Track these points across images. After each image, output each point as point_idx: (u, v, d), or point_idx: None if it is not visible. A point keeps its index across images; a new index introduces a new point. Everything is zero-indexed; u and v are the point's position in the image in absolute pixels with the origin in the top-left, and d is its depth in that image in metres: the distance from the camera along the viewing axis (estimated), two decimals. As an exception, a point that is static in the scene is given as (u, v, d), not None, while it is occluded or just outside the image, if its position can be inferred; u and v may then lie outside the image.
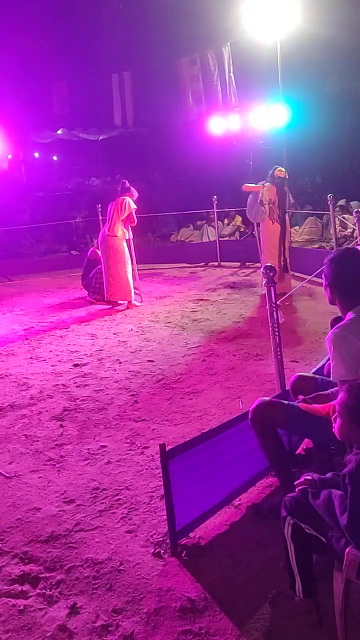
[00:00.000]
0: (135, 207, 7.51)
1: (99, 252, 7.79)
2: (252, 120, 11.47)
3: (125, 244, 7.57)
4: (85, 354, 5.76)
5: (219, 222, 12.28)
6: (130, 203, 7.47)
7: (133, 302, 7.70)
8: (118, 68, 15.30)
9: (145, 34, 15.87)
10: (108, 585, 2.47)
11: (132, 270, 7.79)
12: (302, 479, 2.17)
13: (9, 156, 17.04)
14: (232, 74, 13.43)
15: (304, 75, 13.49)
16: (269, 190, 7.44)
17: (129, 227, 7.63)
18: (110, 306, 7.78)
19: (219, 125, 12.43)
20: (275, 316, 3.24)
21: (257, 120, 11.44)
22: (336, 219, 9.25)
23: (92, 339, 6.31)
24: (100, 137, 16.35)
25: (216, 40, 13.44)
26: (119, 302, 7.75)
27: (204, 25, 13.70)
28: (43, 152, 18.75)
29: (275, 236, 7.48)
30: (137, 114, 15.76)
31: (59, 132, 16.06)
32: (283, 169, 7.57)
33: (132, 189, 7.62)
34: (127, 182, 7.71)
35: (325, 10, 11.54)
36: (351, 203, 12.05)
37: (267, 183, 7.53)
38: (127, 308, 7.63)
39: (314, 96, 14.23)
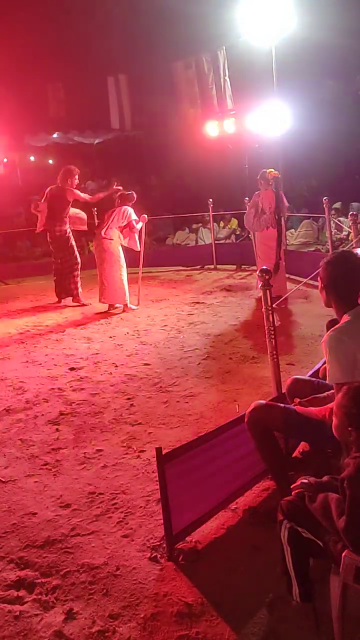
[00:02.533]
0: (136, 218, 7.53)
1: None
2: (247, 123, 11.52)
3: (120, 248, 7.57)
4: (81, 358, 5.75)
5: (215, 225, 12.30)
6: (132, 214, 7.50)
7: (129, 305, 7.70)
8: (114, 71, 15.34)
9: (140, 38, 15.90)
10: (104, 591, 2.46)
11: (138, 273, 7.99)
12: (298, 482, 2.17)
13: (5, 159, 17.02)
14: (227, 78, 13.46)
15: (299, 78, 13.54)
16: (266, 195, 7.42)
17: (136, 235, 7.66)
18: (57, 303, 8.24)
19: (215, 128, 12.47)
20: (271, 319, 3.24)
21: (253, 124, 11.50)
22: (332, 221, 9.28)
23: (88, 343, 6.29)
24: (96, 141, 16.37)
25: (211, 44, 13.48)
26: (116, 305, 7.75)
27: (199, 29, 13.74)
28: (39, 155, 18.74)
29: (272, 240, 7.48)
30: (133, 117, 15.80)
31: (55, 135, 16.07)
32: (273, 170, 7.57)
33: (132, 197, 7.66)
34: (130, 192, 7.75)
35: (321, 14, 11.60)
36: (352, 204, 12.05)
37: (261, 191, 7.52)
38: (123, 311, 7.63)
39: (309, 99, 14.26)
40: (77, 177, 8.20)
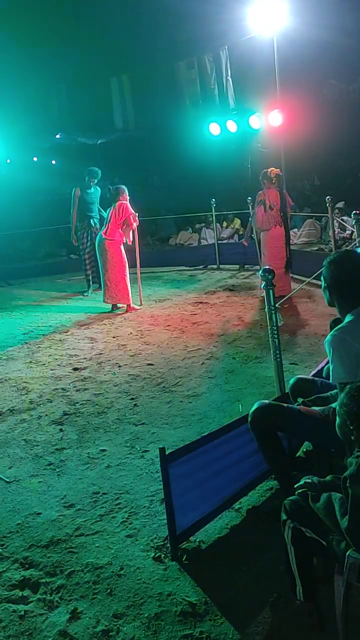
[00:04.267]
0: (133, 212, 7.51)
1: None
2: (250, 123, 11.52)
3: (122, 248, 7.58)
4: (85, 358, 5.76)
5: (218, 225, 12.30)
6: (128, 208, 7.48)
7: (132, 305, 7.72)
8: (117, 72, 15.34)
9: (142, 38, 15.90)
10: (108, 590, 2.47)
11: (137, 273, 7.96)
12: (301, 482, 2.17)
13: (8, 160, 17.04)
14: (229, 77, 13.46)
15: (301, 77, 13.52)
16: (271, 194, 7.41)
17: (131, 231, 7.64)
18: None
19: (217, 128, 12.47)
20: (274, 319, 3.24)
21: (255, 123, 11.49)
22: (335, 220, 9.26)
23: (92, 343, 6.31)
24: (99, 141, 16.38)
25: (214, 44, 13.47)
26: (119, 305, 7.76)
27: (201, 29, 13.73)
28: (42, 156, 18.77)
29: (278, 239, 7.47)
30: (137, 118, 15.80)
31: (58, 136, 16.07)
32: (275, 168, 7.56)
33: (122, 190, 7.61)
34: (120, 187, 7.72)
35: (323, 14, 11.58)
36: None
37: (265, 190, 7.51)
38: (127, 311, 7.64)
39: (312, 98, 14.24)
40: (91, 176, 8.79)
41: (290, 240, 7.86)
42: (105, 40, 15.68)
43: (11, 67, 14.54)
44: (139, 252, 7.96)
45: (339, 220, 10.51)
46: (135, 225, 7.56)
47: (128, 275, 7.62)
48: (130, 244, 7.73)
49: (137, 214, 7.57)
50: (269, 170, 7.50)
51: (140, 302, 7.99)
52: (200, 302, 7.92)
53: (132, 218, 7.46)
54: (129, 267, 7.67)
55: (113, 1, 16.15)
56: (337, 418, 2.08)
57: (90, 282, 9.10)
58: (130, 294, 7.66)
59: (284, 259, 7.40)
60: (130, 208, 7.51)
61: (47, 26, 15.76)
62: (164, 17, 14.88)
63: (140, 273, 8.12)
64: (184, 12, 13.68)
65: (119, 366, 5.43)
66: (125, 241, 7.61)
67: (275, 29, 10.50)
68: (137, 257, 7.94)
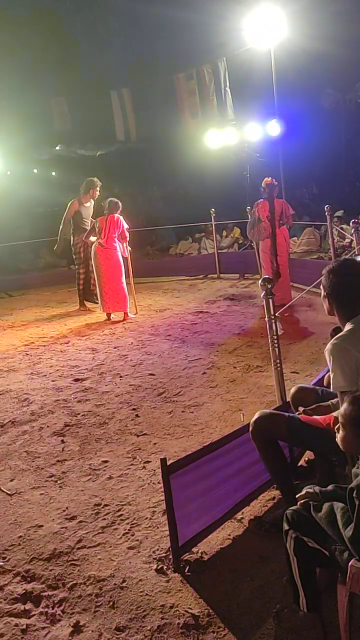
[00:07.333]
0: (127, 226, 7.75)
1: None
2: (248, 133, 11.60)
3: (120, 256, 7.71)
4: (86, 369, 5.76)
5: (218, 234, 12.34)
6: (124, 222, 7.69)
7: (129, 314, 7.80)
8: (117, 85, 15.49)
9: (142, 51, 16.07)
10: (111, 603, 2.45)
11: (130, 282, 8.05)
12: (303, 492, 2.16)
13: (8, 172, 17.15)
14: (228, 88, 13.59)
15: (298, 87, 13.64)
16: (262, 207, 7.45)
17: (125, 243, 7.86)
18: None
19: (216, 138, 12.56)
20: (274, 328, 3.25)
21: (254, 133, 11.57)
22: (334, 229, 9.29)
23: (93, 354, 6.31)
24: (99, 153, 16.49)
25: (212, 55, 13.62)
26: (112, 316, 7.84)
27: (200, 41, 13.89)
28: (42, 168, 18.90)
29: (268, 250, 7.51)
30: (137, 129, 15.93)
31: (58, 148, 16.20)
32: (268, 178, 7.61)
33: (120, 205, 7.77)
34: (113, 199, 7.86)
35: (319, 25, 11.71)
36: None
37: (261, 200, 7.57)
38: (124, 319, 7.70)
39: (309, 108, 14.36)
40: (91, 187, 8.36)
41: (290, 249, 7.88)
42: (105, 54, 15.85)
43: (11, 79, 14.68)
44: (132, 262, 8.07)
45: (338, 228, 10.54)
46: (127, 238, 7.83)
47: (125, 283, 7.74)
48: (127, 256, 7.87)
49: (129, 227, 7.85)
50: (263, 183, 7.58)
51: (136, 310, 8.05)
52: (201, 312, 7.93)
53: (126, 231, 7.73)
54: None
55: (113, 14, 16.34)
56: (342, 431, 2.07)
57: (80, 296, 8.81)
58: (128, 302, 7.75)
59: (271, 269, 7.42)
60: (125, 222, 7.74)
61: (47, 41, 15.93)
62: (163, 29, 15.05)
63: (141, 283, 8.19)
64: (183, 25, 13.84)
65: (120, 376, 5.43)
66: (120, 251, 7.79)
67: (273, 41, 10.61)
68: (130, 267, 8.02)
